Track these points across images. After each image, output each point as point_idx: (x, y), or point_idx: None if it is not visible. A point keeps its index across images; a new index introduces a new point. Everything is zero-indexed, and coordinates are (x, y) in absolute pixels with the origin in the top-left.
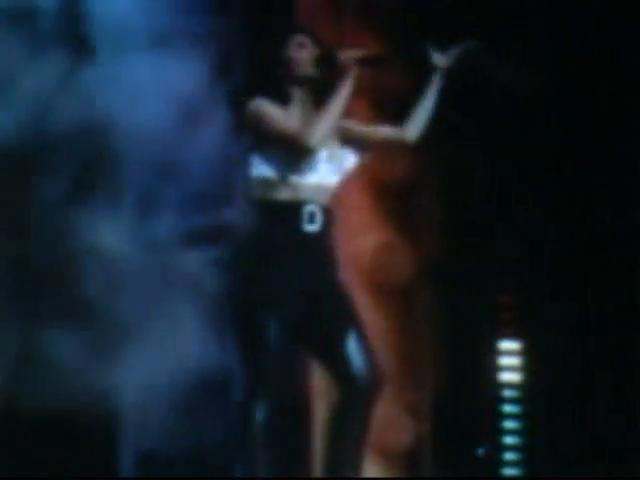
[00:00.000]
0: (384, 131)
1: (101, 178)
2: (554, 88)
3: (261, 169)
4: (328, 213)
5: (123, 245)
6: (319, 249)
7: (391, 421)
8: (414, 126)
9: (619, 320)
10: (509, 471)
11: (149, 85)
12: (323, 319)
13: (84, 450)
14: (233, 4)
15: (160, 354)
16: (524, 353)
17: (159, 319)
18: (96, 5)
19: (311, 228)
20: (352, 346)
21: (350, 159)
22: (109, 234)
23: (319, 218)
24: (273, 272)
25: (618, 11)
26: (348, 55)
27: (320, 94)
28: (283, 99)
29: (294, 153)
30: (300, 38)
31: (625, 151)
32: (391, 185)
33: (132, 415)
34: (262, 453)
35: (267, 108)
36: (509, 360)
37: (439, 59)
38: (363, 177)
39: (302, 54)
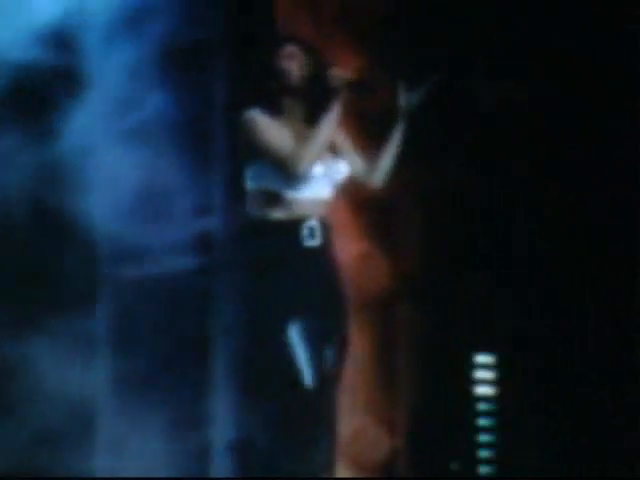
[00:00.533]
0: (355, 168)
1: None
2: (539, 100)
3: (256, 182)
4: (327, 227)
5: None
6: (320, 263)
7: (366, 435)
8: (380, 173)
9: (597, 333)
10: None
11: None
12: (319, 325)
13: None
14: (219, 16)
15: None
16: (499, 367)
17: None
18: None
19: (311, 243)
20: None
21: (342, 171)
22: None
23: (319, 233)
24: (275, 288)
25: (605, 22)
26: (338, 77)
27: (311, 104)
28: (274, 110)
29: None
30: (290, 48)
31: (614, 163)
32: (372, 198)
33: None
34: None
35: (259, 122)
36: (484, 374)
37: (406, 100)
38: (344, 190)
39: (292, 65)
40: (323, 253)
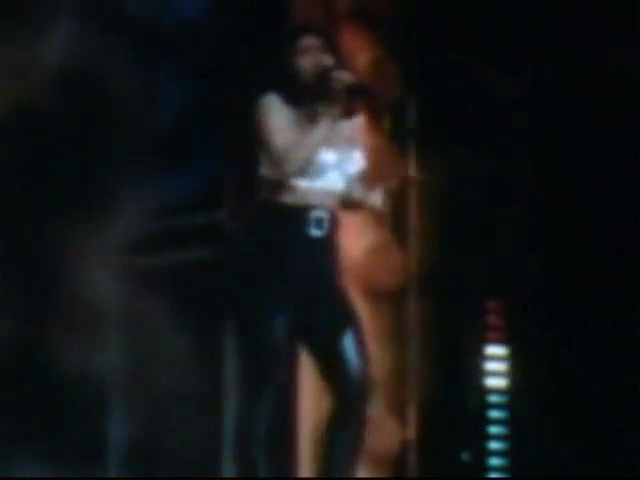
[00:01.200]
0: None
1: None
2: (548, 92)
3: (270, 169)
4: (334, 218)
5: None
6: (324, 254)
7: (377, 425)
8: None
9: (607, 325)
10: (495, 476)
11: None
12: (323, 322)
13: None
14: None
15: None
16: (511, 358)
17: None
18: None
19: (317, 233)
20: (348, 351)
21: (357, 162)
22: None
23: (326, 223)
24: (277, 275)
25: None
26: (340, 79)
27: (324, 99)
28: (287, 101)
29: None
30: (308, 41)
31: (619, 155)
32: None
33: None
34: (264, 454)
35: (269, 110)
36: (496, 365)
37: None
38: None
39: (308, 59)
40: (327, 244)
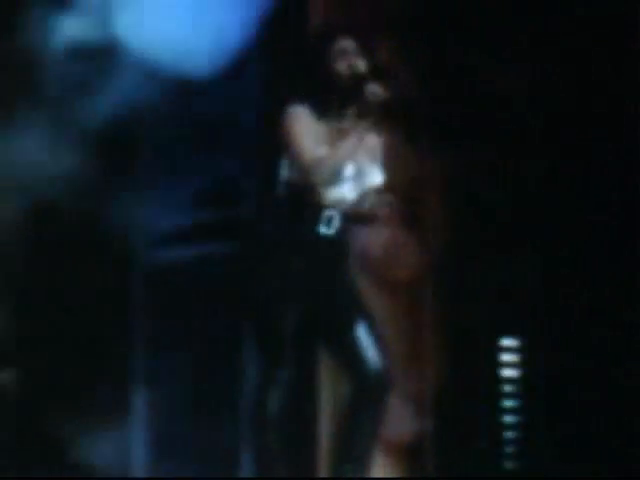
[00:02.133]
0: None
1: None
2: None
3: (290, 173)
4: (345, 219)
5: None
6: (333, 252)
7: (393, 416)
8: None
9: (619, 316)
10: (509, 465)
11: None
12: (337, 317)
13: None
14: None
15: None
16: (524, 350)
17: None
18: None
19: (327, 231)
20: (363, 342)
21: (376, 178)
22: None
23: (336, 223)
24: (287, 269)
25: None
26: (375, 94)
27: (357, 106)
28: (320, 106)
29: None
30: (344, 43)
31: (621, 155)
32: (400, 184)
33: None
34: (274, 445)
35: (297, 121)
36: (510, 356)
37: None
38: None
39: (344, 62)
40: (336, 242)
